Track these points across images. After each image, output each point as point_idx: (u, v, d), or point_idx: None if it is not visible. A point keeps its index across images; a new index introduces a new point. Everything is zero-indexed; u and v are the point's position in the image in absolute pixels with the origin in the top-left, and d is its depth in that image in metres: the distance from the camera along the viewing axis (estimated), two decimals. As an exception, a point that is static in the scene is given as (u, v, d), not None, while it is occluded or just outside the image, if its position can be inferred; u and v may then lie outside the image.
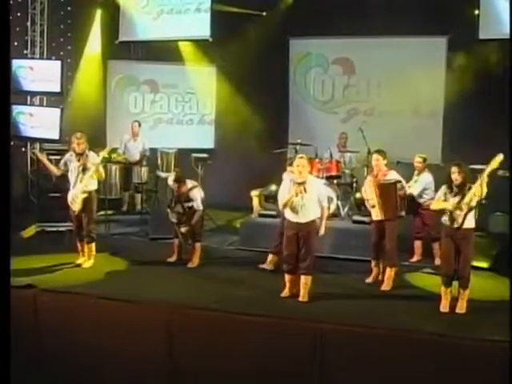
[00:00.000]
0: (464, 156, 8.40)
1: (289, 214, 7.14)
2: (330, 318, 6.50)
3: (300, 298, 7.13)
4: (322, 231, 7.26)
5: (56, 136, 10.92)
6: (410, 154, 9.79)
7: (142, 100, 13.23)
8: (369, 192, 7.79)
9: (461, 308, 6.81)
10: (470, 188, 6.72)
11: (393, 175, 7.85)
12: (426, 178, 8.78)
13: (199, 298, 7.06)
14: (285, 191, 7.12)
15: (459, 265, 6.81)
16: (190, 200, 8.40)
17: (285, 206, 7.09)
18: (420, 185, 8.75)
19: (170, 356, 6.61)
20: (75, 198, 8.12)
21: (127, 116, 12.69)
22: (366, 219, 9.27)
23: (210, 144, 13.36)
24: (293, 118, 13.06)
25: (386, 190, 7.65)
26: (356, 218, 9.43)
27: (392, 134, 11.83)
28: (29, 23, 11.20)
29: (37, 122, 11.06)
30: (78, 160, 8.12)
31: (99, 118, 12.58)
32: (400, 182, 7.76)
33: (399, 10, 10.85)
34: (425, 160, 8.97)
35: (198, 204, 8.44)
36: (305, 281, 7.16)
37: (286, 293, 7.26)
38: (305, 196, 6.99)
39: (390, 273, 7.71)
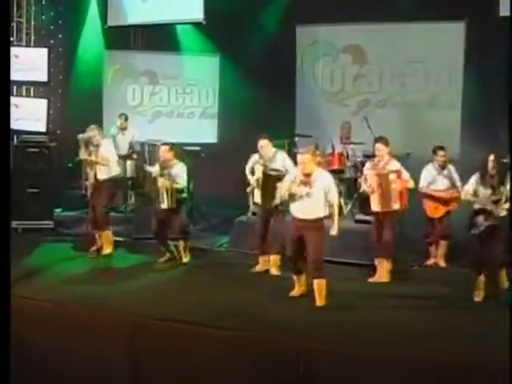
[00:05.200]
0: (484, 150, 7.68)
1: (294, 211, 6.59)
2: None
3: (317, 303, 6.59)
4: (334, 231, 6.63)
5: (43, 128, 10.41)
6: (426, 149, 8.97)
7: (140, 92, 12.62)
8: (370, 181, 7.43)
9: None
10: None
11: (394, 165, 7.48)
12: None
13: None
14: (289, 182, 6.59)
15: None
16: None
17: (288, 197, 6.54)
18: None
19: (132, 369, 5.85)
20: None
21: (125, 109, 11.95)
22: (369, 218, 8.44)
23: (212, 138, 12.64)
24: (300, 110, 12.25)
25: (385, 180, 7.32)
26: (359, 217, 8.57)
27: (406, 127, 11.05)
28: (14, 8, 10.50)
29: (22, 114, 10.42)
30: None
31: (96, 110, 11.94)
32: (398, 171, 7.38)
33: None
34: None
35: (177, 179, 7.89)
36: (318, 285, 6.59)
37: (295, 291, 6.82)
38: (310, 191, 6.42)
39: (387, 265, 7.41)
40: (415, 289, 7.22)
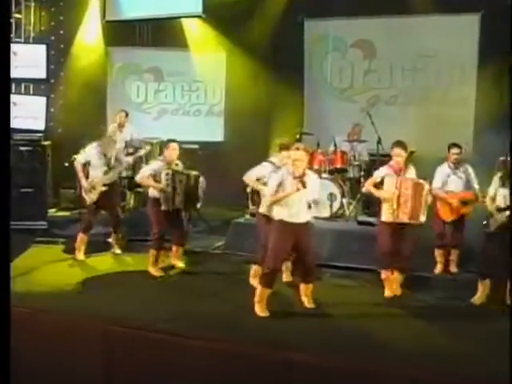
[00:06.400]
0: (500, 149, 7.73)
1: (282, 214, 6.00)
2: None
3: (308, 305, 6.30)
4: None
5: (41, 127, 10.19)
6: (437, 146, 8.69)
7: (145, 89, 12.32)
8: (389, 189, 6.61)
9: None
10: None
11: (412, 172, 6.88)
12: None
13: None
14: (275, 184, 5.98)
15: None
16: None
17: (275, 202, 6.00)
18: None
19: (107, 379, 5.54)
20: None
21: (129, 106, 11.67)
22: (372, 220, 8.04)
23: (218, 137, 12.30)
24: (308, 107, 11.91)
25: (418, 189, 6.61)
26: (361, 218, 8.16)
27: (417, 124, 10.61)
28: (13, 4, 10.28)
29: (21, 112, 10.20)
30: None
31: (98, 107, 11.69)
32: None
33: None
34: None
35: None
36: (309, 288, 6.33)
37: (265, 312, 6.06)
38: (303, 192, 5.93)
39: (400, 277, 6.81)
40: (421, 297, 6.77)
